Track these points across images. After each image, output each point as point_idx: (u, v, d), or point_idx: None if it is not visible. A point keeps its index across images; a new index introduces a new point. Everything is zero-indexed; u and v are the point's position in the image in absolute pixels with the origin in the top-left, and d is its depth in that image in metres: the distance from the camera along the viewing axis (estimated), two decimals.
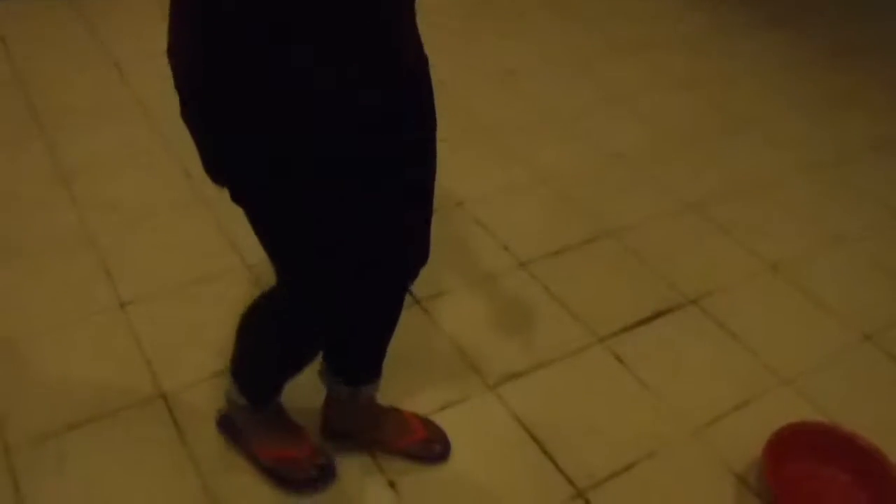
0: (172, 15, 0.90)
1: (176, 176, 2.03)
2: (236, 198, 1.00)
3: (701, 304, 1.92)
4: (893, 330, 1.90)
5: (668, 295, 1.93)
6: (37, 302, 1.74)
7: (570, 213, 2.18)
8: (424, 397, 1.58)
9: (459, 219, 2.07)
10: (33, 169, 2.13)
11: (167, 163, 2.09)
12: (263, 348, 1.26)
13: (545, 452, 1.52)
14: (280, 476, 1.40)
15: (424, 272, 1.24)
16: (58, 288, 1.78)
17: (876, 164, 2.56)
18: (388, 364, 1.40)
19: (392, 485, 1.44)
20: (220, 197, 1.02)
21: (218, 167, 0.98)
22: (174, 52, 0.92)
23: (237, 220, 1.06)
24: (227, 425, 1.44)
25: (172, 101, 0.95)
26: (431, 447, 1.48)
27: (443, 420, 1.53)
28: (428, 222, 1.19)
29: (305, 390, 1.55)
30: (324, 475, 1.41)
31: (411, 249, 1.18)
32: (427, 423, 1.51)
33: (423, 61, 1.05)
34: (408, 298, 1.46)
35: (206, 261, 1.83)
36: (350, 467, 1.45)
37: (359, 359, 1.37)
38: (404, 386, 1.54)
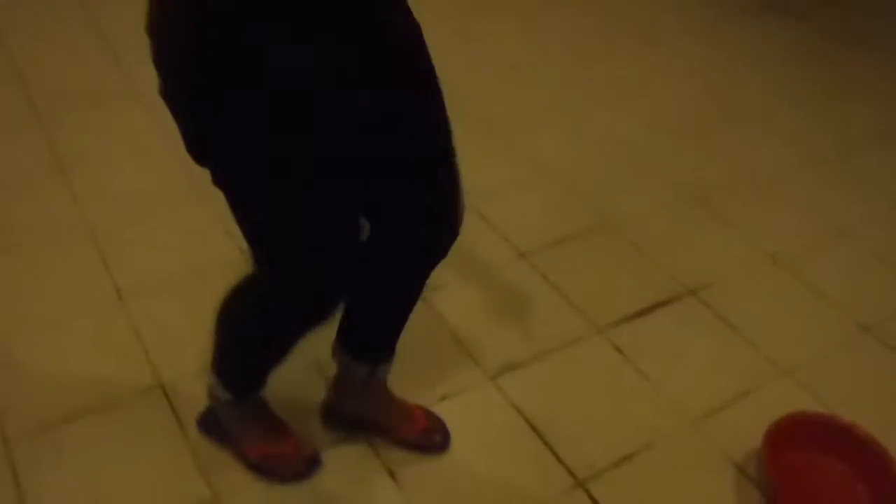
0: None
1: (174, 167, 2.02)
2: (217, 181, 0.98)
3: (700, 295, 1.92)
4: (893, 321, 1.90)
5: (668, 286, 1.93)
6: (35, 294, 1.74)
7: (571, 205, 2.18)
8: (424, 388, 1.58)
9: None
10: (31, 160, 2.12)
11: (166, 154, 2.08)
12: (245, 336, 1.24)
13: (545, 443, 1.53)
14: (268, 472, 1.40)
15: None
16: (56, 279, 1.78)
17: (878, 155, 2.56)
18: None
19: (391, 474, 1.44)
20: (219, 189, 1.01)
21: (200, 147, 0.97)
22: (155, 30, 0.90)
23: None
24: (210, 425, 1.43)
25: None
26: (432, 437, 1.48)
27: (442, 411, 1.53)
28: (450, 194, 1.16)
29: (293, 384, 1.56)
30: (310, 467, 1.42)
31: (415, 229, 1.16)
32: (428, 414, 1.51)
33: (414, 33, 1.04)
34: None
35: (204, 252, 1.83)
36: (349, 457, 1.45)
37: (378, 336, 1.35)
38: (404, 377, 1.54)
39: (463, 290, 1.85)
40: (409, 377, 1.57)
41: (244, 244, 1.06)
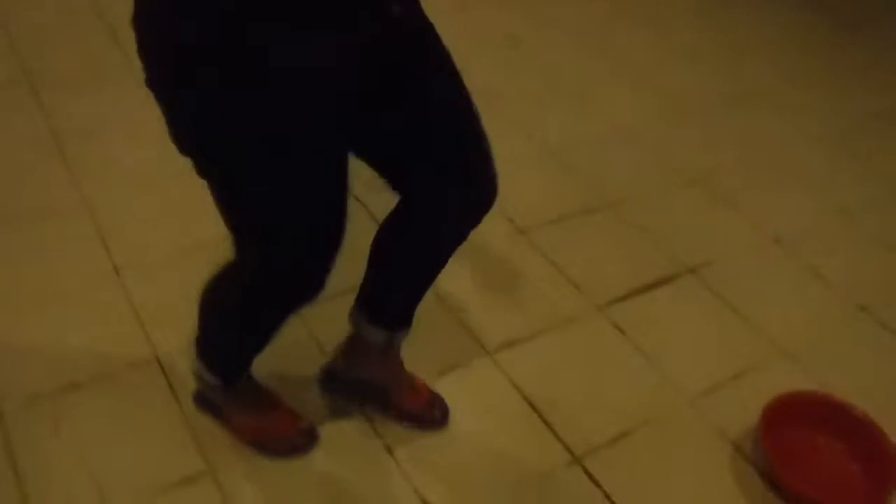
0: None
1: (170, 142, 1.99)
2: (201, 171, 0.98)
3: (700, 274, 1.91)
4: (892, 303, 1.90)
5: (668, 265, 1.93)
6: (32, 268, 1.72)
7: (573, 183, 2.17)
8: (423, 363, 1.57)
9: None
10: (27, 134, 2.10)
11: (161, 128, 2.05)
12: (228, 321, 1.23)
13: (542, 419, 1.53)
14: (265, 447, 1.39)
15: None
16: (52, 253, 1.76)
17: (882, 137, 2.55)
18: None
19: (389, 450, 1.44)
20: None
21: (184, 139, 0.97)
22: (139, 24, 0.90)
23: None
24: (205, 403, 1.43)
25: None
26: (432, 412, 1.48)
27: (441, 386, 1.53)
28: (482, 157, 1.14)
29: (290, 360, 1.55)
30: (307, 441, 1.41)
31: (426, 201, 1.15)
32: (430, 389, 1.51)
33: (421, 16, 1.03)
34: None
35: (200, 226, 1.81)
36: (346, 432, 1.45)
37: (403, 303, 1.34)
38: (403, 352, 1.53)
39: (463, 267, 1.84)
40: (407, 352, 1.56)
41: None
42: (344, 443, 1.44)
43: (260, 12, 0.85)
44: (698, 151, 2.36)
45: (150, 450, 1.39)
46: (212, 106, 0.90)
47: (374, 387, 1.45)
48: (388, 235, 1.26)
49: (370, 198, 1.86)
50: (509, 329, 1.70)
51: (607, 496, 1.41)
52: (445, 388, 1.53)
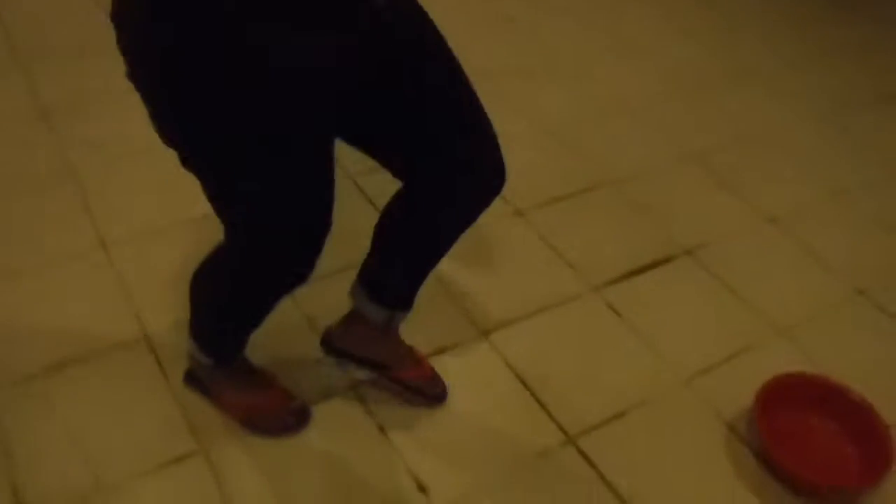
0: None
1: None
2: (185, 164, 0.97)
3: (697, 254, 1.90)
4: (888, 285, 1.90)
5: (665, 245, 1.91)
6: (18, 243, 1.70)
7: (569, 162, 2.14)
8: (418, 341, 1.55)
9: None
10: (13, 107, 2.06)
11: None
12: (219, 302, 1.22)
13: (537, 399, 1.52)
14: (256, 426, 1.38)
15: None
16: (39, 228, 1.74)
17: (879, 117, 2.53)
18: None
19: (382, 429, 1.43)
20: None
21: (169, 133, 0.95)
22: (119, 19, 0.88)
23: None
24: (195, 381, 1.41)
25: None
26: (435, 386, 1.47)
27: (435, 365, 1.52)
28: (487, 142, 1.12)
29: (284, 339, 1.54)
30: (299, 420, 1.40)
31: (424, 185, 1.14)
32: (433, 368, 1.50)
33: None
34: None
35: (189, 201, 1.78)
36: (339, 412, 1.44)
37: (406, 285, 1.32)
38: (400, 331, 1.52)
39: (457, 246, 1.81)
40: (403, 332, 1.55)
41: None
42: (337, 422, 1.43)
43: (259, 12, 0.83)
44: (694, 130, 2.33)
45: (141, 429, 1.37)
46: (199, 105, 0.89)
47: (374, 362, 1.44)
48: (394, 219, 1.24)
49: (365, 179, 1.83)
50: (505, 309, 1.68)
51: (601, 476, 1.40)
52: (440, 367, 1.52)
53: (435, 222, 1.21)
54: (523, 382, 1.54)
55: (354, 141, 1.11)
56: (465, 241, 1.85)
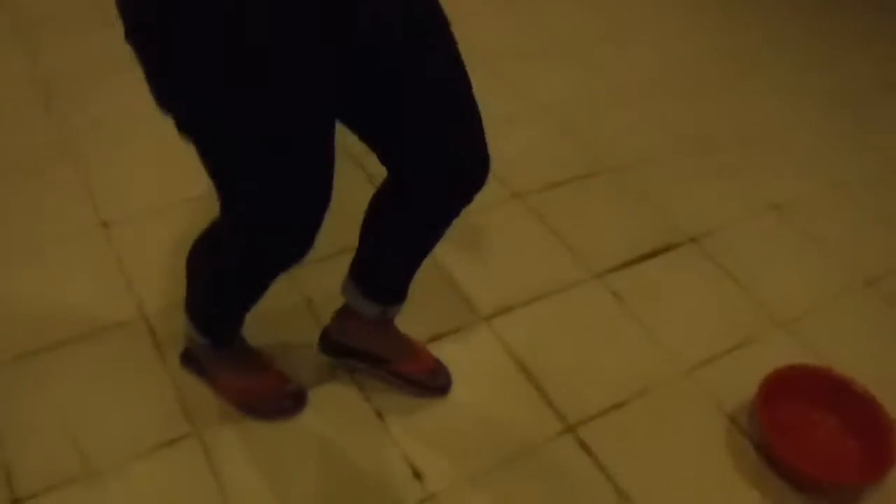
0: None
1: None
2: (181, 130, 0.94)
3: (700, 243, 1.88)
4: (892, 276, 1.87)
5: (668, 233, 1.89)
6: (16, 220, 1.68)
7: (570, 147, 2.11)
8: (417, 327, 1.54)
9: None
10: (12, 82, 2.04)
11: None
12: (214, 280, 1.20)
13: (536, 386, 1.50)
14: (252, 409, 1.37)
15: None
16: (38, 206, 1.72)
17: (883, 109, 2.49)
18: None
19: (379, 414, 1.41)
20: None
21: (164, 96, 0.92)
22: None
23: None
24: (192, 362, 1.40)
25: None
26: (437, 378, 1.46)
27: (434, 352, 1.50)
28: (472, 134, 1.10)
29: (282, 322, 1.52)
30: (295, 404, 1.39)
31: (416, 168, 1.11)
32: (434, 358, 1.48)
33: None
34: None
35: (190, 180, 1.77)
36: (336, 396, 1.43)
37: (394, 279, 1.31)
38: (398, 318, 1.51)
39: (457, 230, 1.79)
40: (401, 317, 1.53)
41: None
42: (334, 407, 1.41)
43: None
44: (697, 117, 2.30)
45: (135, 411, 1.36)
46: (195, 68, 0.86)
47: (372, 356, 1.42)
48: (379, 212, 1.23)
49: (367, 159, 1.80)
50: (504, 295, 1.66)
51: (600, 465, 1.39)
52: (438, 353, 1.50)
53: (417, 214, 1.18)
54: (523, 370, 1.53)
55: (346, 118, 1.09)
56: (466, 227, 1.84)
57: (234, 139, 0.93)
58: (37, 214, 1.70)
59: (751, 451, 1.45)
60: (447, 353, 1.51)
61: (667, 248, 1.85)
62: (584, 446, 1.41)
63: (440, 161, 1.09)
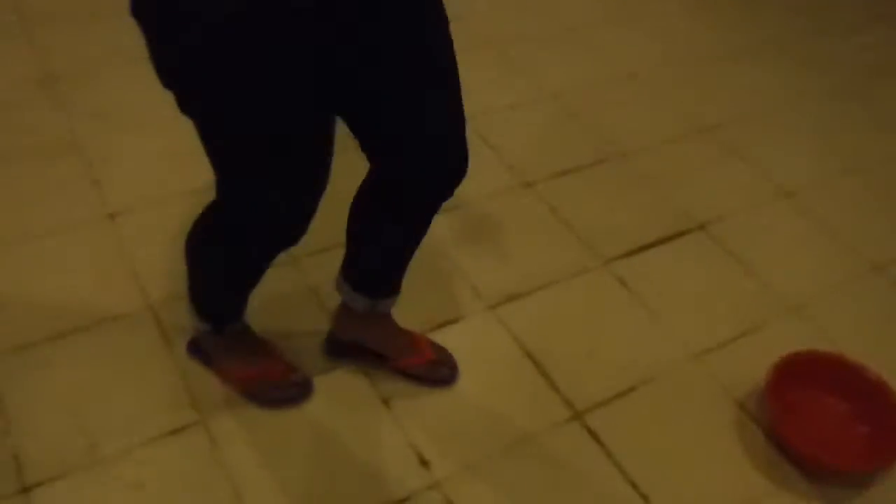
0: None
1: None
2: (183, 107, 0.93)
3: (709, 229, 1.86)
4: None
5: (676, 219, 1.87)
6: (23, 211, 1.68)
7: (578, 134, 2.10)
8: (422, 314, 1.54)
9: None
10: (19, 73, 2.04)
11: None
12: (211, 263, 1.20)
13: (543, 374, 1.49)
14: (257, 397, 1.37)
15: None
16: (44, 197, 1.72)
17: (892, 90, 2.46)
18: None
19: (386, 403, 1.41)
20: None
21: (165, 71, 0.91)
22: None
23: None
24: (197, 350, 1.40)
25: None
26: (438, 369, 1.45)
27: (440, 340, 1.50)
28: (455, 127, 1.09)
29: (288, 310, 1.52)
30: (301, 392, 1.39)
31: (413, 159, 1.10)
32: (435, 346, 1.47)
33: None
34: None
35: (196, 172, 1.76)
36: (343, 385, 1.42)
37: (380, 272, 1.31)
38: (401, 301, 1.50)
39: (466, 217, 1.79)
40: (406, 302, 1.52)
41: None
42: (340, 395, 1.41)
43: None
44: (704, 103, 2.28)
45: (142, 399, 1.37)
46: (198, 39, 0.85)
47: (368, 349, 1.42)
48: (360, 205, 1.22)
49: None
50: (511, 282, 1.65)
51: (608, 452, 1.38)
52: (445, 341, 1.50)
53: (398, 206, 1.18)
54: (530, 357, 1.52)
55: (336, 107, 1.07)
56: (473, 215, 1.83)
57: (231, 125, 0.92)
58: (42, 205, 1.70)
59: (760, 437, 1.44)
60: (453, 341, 1.50)
61: (675, 235, 1.83)
62: (591, 433, 1.41)
63: (420, 153, 1.08)
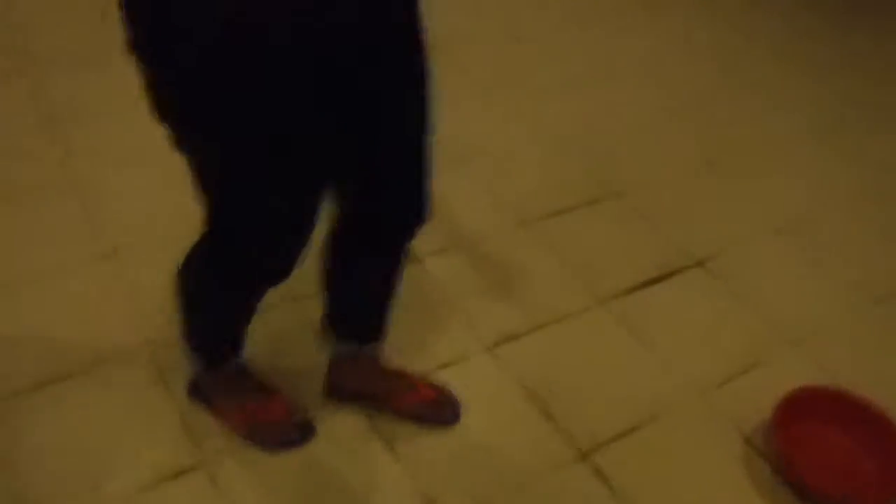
0: None
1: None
2: (174, 142, 0.94)
3: (708, 265, 1.87)
4: None
5: (674, 256, 1.88)
6: (19, 250, 1.67)
7: (573, 171, 2.12)
8: (422, 355, 1.52)
9: (458, 173, 1.99)
10: (17, 112, 2.05)
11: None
12: (201, 299, 1.19)
13: (546, 413, 1.48)
14: (258, 439, 1.35)
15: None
16: (42, 235, 1.71)
17: (889, 129, 2.50)
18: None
19: (389, 445, 1.39)
20: None
21: (159, 106, 0.92)
22: None
23: None
24: (197, 392, 1.38)
25: None
26: (441, 410, 1.43)
27: (440, 380, 1.48)
28: (419, 179, 1.11)
29: (288, 347, 1.51)
30: (302, 434, 1.37)
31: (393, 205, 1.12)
32: (436, 387, 1.46)
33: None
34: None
35: (192, 210, 1.76)
36: (345, 427, 1.40)
37: (357, 319, 1.32)
38: (401, 343, 1.49)
39: (460, 257, 1.79)
40: (406, 343, 1.52)
41: None
42: (342, 437, 1.39)
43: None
44: (699, 138, 2.31)
45: (138, 441, 1.34)
46: (192, 75, 0.86)
47: (365, 393, 1.41)
48: (329, 258, 1.23)
49: None
50: (510, 322, 1.65)
51: (614, 492, 1.36)
52: (444, 381, 1.48)
53: (361, 257, 1.20)
54: (532, 396, 1.51)
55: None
56: (472, 255, 1.83)
57: (223, 148, 0.93)
58: (39, 244, 1.69)
59: (768, 472, 1.42)
60: (454, 382, 1.49)
61: (674, 272, 1.84)
62: (598, 472, 1.39)
63: (384, 204, 1.11)
